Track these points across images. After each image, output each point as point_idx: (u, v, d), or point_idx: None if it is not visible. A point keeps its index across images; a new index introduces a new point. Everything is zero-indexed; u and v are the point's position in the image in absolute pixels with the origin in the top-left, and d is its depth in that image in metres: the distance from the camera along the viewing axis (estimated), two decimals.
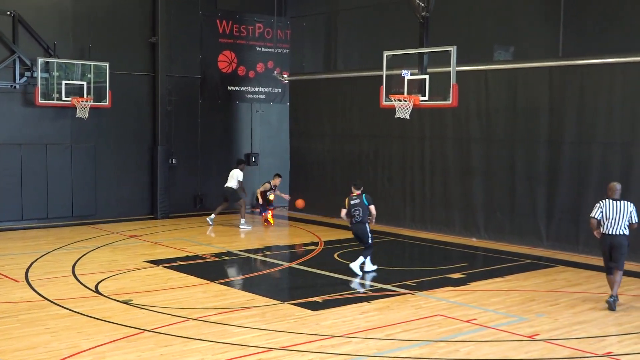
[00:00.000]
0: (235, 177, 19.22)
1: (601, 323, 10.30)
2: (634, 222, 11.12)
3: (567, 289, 12.38)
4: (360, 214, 13.38)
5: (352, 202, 13.50)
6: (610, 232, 11.13)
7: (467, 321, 10.33)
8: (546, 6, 16.77)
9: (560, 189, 15.87)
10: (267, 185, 19.75)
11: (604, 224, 11.17)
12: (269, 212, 19.83)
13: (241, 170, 19.41)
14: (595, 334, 9.78)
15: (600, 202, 11.26)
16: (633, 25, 15.32)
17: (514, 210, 16.72)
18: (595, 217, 11.21)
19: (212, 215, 19.65)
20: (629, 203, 11.19)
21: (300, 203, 18.89)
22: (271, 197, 19.81)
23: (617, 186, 11.33)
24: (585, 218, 15.22)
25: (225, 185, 19.37)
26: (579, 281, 13.03)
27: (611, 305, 11.03)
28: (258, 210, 20.33)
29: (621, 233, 11.09)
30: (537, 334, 9.71)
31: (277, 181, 19.92)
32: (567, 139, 15.72)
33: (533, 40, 17.23)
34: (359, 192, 13.61)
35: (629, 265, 13.69)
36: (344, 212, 13.62)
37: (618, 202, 11.16)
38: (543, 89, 16.09)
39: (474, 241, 17.13)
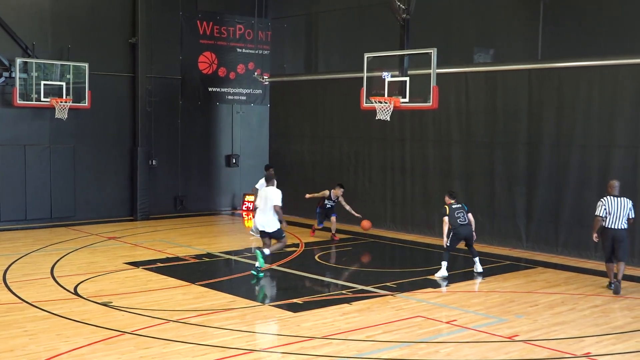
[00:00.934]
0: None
1: (580, 324, 10.37)
2: (631, 217, 12.18)
3: (546, 290, 12.46)
4: (465, 217, 13.60)
5: (455, 206, 13.63)
6: (613, 227, 12.09)
7: (448, 322, 10.36)
8: (525, 9, 16.88)
9: (539, 191, 15.97)
10: (326, 193, 17.55)
11: (607, 218, 12.14)
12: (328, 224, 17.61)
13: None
14: (574, 334, 9.85)
15: (602, 199, 12.31)
16: (611, 29, 15.46)
17: (494, 212, 16.80)
18: (601, 215, 12.20)
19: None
20: (627, 199, 12.22)
21: (366, 225, 17.14)
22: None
23: (616, 183, 12.38)
24: (564, 219, 15.44)
25: None
26: (558, 282, 13.12)
27: (617, 289, 12.14)
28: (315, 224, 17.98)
29: (622, 227, 12.09)
30: (517, 335, 9.76)
31: (338, 192, 17.47)
32: (546, 141, 15.83)
33: (512, 43, 17.34)
34: (454, 200, 13.81)
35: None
36: (447, 219, 13.50)
37: (619, 198, 12.19)
38: (522, 91, 16.19)
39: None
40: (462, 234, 13.56)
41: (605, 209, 12.13)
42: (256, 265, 13.06)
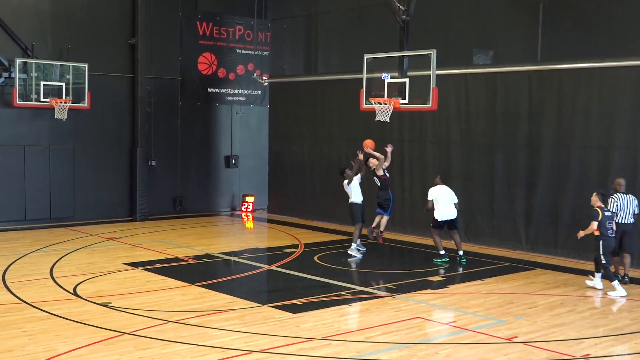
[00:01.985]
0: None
1: (579, 325, 10.37)
2: (637, 212, 13.06)
3: (545, 292, 12.46)
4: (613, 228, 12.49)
5: (607, 213, 12.37)
6: (623, 222, 12.87)
7: (447, 324, 10.36)
8: (525, 11, 16.90)
9: (539, 192, 15.97)
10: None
11: (618, 214, 12.84)
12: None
13: (348, 179, 15.55)
14: (573, 336, 9.86)
15: (613, 196, 13.00)
16: (610, 30, 15.49)
17: (494, 213, 16.80)
18: (614, 210, 12.81)
19: (353, 245, 15.59)
20: (633, 196, 13.06)
21: (369, 144, 15.56)
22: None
23: (623, 181, 13.14)
24: (563, 221, 15.44)
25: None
26: (557, 284, 13.12)
27: (624, 281, 13.00)
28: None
29: (631, 222, 12.95)
30: (516, 337, 9.76)
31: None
32: (545, 143, 15.83)
33: (512, 45, 17.37)
34: (604, 204, 12.61)
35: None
36: (595, 224, 12.22)
37: (626, 195, 13.03)
38: (522, 92, 16.19)
39: (453, 244, 17.15)
40: (611, 245, 12.40)
41: (617, 205, 12.86)
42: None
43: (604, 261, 12.33)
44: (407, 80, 14.74)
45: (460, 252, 14.98)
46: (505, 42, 17.51)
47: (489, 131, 16.87)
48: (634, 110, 14.56)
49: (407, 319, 10.61)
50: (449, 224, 14.96)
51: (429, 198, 14.90)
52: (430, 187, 15.12)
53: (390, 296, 11.98)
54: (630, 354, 9.19)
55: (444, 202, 14.81)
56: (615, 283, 12.28)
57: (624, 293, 12.18)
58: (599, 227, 12.23)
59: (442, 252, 14.88)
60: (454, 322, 10.45)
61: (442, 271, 14.15)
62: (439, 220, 14.82)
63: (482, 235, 16.99)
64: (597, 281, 12.66)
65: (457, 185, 17.37)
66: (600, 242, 12.32)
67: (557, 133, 15.68)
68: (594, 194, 12.60)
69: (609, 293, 12.28)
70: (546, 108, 15.80)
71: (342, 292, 12.22)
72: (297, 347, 9.15)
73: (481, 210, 17.03)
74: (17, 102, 18.25)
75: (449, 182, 17.45)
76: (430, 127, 17.91)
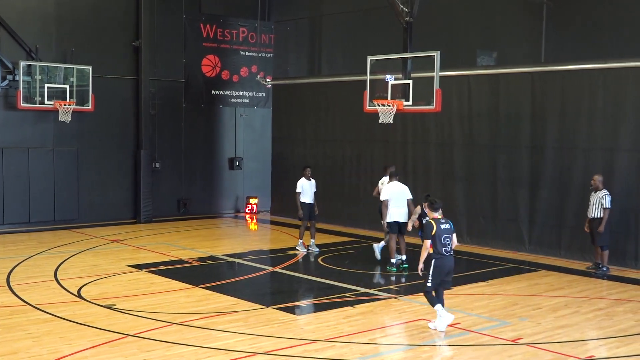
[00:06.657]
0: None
1: (583, 327, 10.36)
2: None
3: (549, 293, 12.45)
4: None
5: (444, 226, 10.10)
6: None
7: (450, 325, 10.35)
8: (529, 12, 16.89)
9: (542, 194, 15.96)
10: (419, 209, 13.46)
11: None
12: None
13: (306, 177, 16.39)
14: (578, 337, 9.85)
15: (606, 192, 13.86)
16: (614, 32, 15.48)
17: (497, 215, 16.80)
18: (610, 206, 13.82)
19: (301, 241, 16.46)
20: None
21: None
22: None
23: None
24: (567, 223, 15.43)
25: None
26: (561, 285, 13.11)
27: None
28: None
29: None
30: (520, 338, 9.76)
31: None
32: (549, 144, 15.83)
33: (515, 46, 17.36)
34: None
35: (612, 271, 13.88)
36: (428, 243, 10.01)
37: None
38: (525, 94, 16.19)
39: (457, 246, 17.14)
40: (447, 266, 10.06)
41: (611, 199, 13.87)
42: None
43: (429, 284, 9.84)
44: (410, 81, 14.73)
45: (403, 257, 14.17)
46: (509, 43, 17.50)
47: (492, 133, 16.87)
48: (638, 111, 14.54)
49: (410, 320, 10.62)
50: (399, 228, 14.02)
51: (383, 198, 13.99)
52: (384, 182, 14.25)
53: (394, 298, 11.99)
54: (635, 355, 9.16)
55: (397, 202, 13.95)
56: (438, 307, 9.85)
57: (451, 318, 9.91)
58: (433, 244, 9.81)
59: (394, 260, 14.08)
60: (458, 323, 10.44)
61: (403, 279, 13.78)
62: (390, 222, 13.96)
63: (485, 237, 16.98)
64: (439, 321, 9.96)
65: (460, 187, 17.42)
66: (433, 261, 9.83)
67: (560, 134, 15.67)
68: (426, 201, 10.08)
69: (429, 324, 10.10)
70: (549, 109, 15.79)
71: (346, 294, 12.22)
72: (301, 349, 9.16)
73: (484, 211, 17.03)
74: (21, 104, 18.27)
75: (451, 183, 17.50)
76: (434, 129, 17.91)
